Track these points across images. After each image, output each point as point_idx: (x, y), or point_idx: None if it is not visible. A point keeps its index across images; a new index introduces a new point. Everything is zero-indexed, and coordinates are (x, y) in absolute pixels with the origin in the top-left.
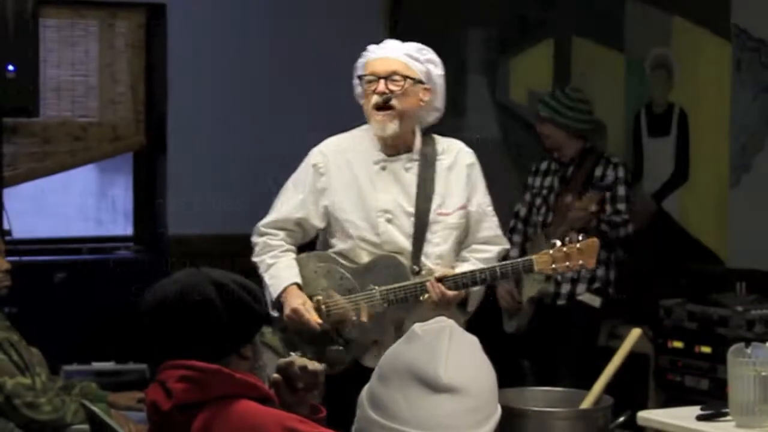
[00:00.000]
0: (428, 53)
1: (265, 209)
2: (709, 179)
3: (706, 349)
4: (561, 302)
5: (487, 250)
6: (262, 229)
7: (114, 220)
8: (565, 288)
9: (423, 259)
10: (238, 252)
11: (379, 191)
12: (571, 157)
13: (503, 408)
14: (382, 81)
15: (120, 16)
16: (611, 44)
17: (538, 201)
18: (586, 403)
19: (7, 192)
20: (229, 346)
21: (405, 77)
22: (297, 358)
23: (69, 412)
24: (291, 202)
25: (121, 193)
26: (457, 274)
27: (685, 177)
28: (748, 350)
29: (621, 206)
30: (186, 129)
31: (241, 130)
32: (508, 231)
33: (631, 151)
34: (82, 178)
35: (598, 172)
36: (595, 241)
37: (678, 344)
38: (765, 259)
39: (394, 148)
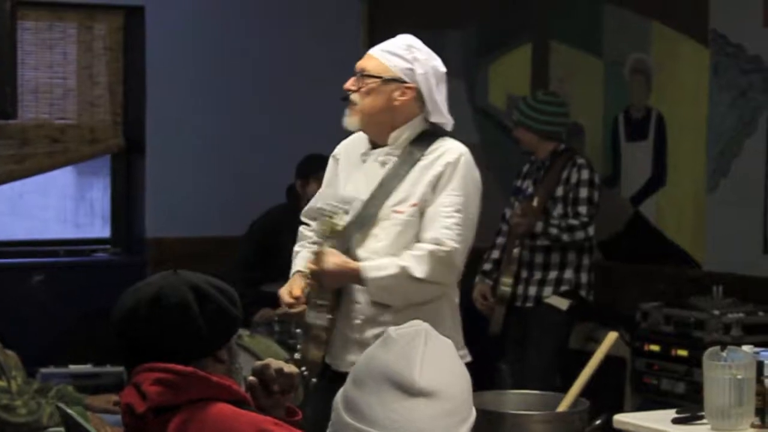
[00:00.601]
0: (417, 52)
1: (244, 212)
2: (687, 183)
3: (683, 353)
4: (529, 305)
5: (421, 248)
6: (301, 218)
7: (92, 222)
8: (533, 290)
9: (358, 251)
10: (214, 254)
11: (349, 182)
12: (543, 159)
13: (480, 411)
14: (353, 78)
15: (98, 19)
16: (590, 49)
17: (516, 204)
18: (563, 406)
19: None
20: (205, 349)
21: (373, 76)
22: (273, 361)
23: (44, 414)
24: (319, 192)
25: (99, 195)
26: None
27: (663, 181)
28: (724, 353)
29: (582, 208)
30: (164, 131)
31: (220, 133)
32: (495, 233)
33: (610, 155)
34: (60, 180)
35: (564, 174)
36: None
37: (655, 347)
38: (741, 263)
39: (375, 142)
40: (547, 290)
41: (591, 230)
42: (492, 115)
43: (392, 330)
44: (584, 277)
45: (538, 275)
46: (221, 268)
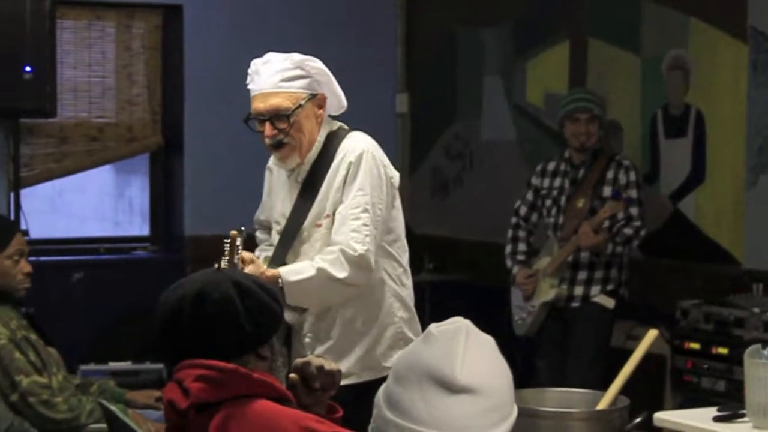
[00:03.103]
0: (310, 61)
1: None
2: (726, 180)
3: (723, 351)
4: (575, 304)
5: (331, 251)
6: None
7: (130, 220)
8: (579, 290)
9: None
10: (253, 252)
11: (277, 200)
12: (582, 158)
13: (520, 409)
14: (267, 123)
15: (137, 17)
16: (627, 45)
17: (548, 202)
18: (603, 404)
19: (24, 192)
20: (247, 345)
21: (290, 110)
22: (314, 358)
23: (84, 412)
24: (261, 203)
25: (138, 193)
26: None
27: (702, 178)
28: (765, 351)
29: (633, 210)
30: (202, 130)
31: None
32: (511, 227)
33: (648, 153)
34: (99, 178)
35: (609, 174)
36: None
37: (695, 345)
38: None
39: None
40: (595, 289)
41: (643, 232)
42: (529, 113)
43: (433, 326)
44: (624, 275)
45: (583, 275)
46: None
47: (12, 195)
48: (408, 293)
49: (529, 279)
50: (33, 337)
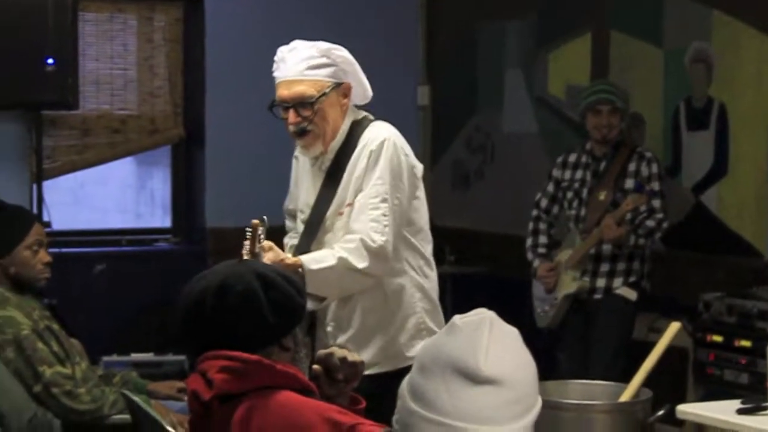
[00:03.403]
0: (336, 50)
1: None
2: (749, 173)
3: (746, 343)
4: (597, 296)
5: (352, 240)
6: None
7: (152, 212)
8: (601, 282)
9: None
10: (275, 244)
11: (302, 189)
12: (603, 150)
13: (542, 401)
14: (291, 111)
15: (158, 10)
16: (650, 38)
17: (570, 195)
18: (626, 396)
19: (47, 184)
20: (270, 337)
21: (315, 98)
22: (337, 349)
23: (107, 403)
24: (289, 192)
25: (159, 185)
26: None
27: (725, 171)
28: None
29: (656, 203)
30: (224, 121)
31: (279, 123)
32: (532, 220)
33: (670, 145)
34: (121, 170)
35: (631, 167)
36: None
37: (717, 338)
38: None
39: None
40: (617, 281)
41: (665, 224)
42: (551, 105)
43: (457, 318)
44: (647, 267)
45: (605, 267)
46: None
47: (35, 187)
48: (431, 284)
49: (550, 273)
50: (55, 327)
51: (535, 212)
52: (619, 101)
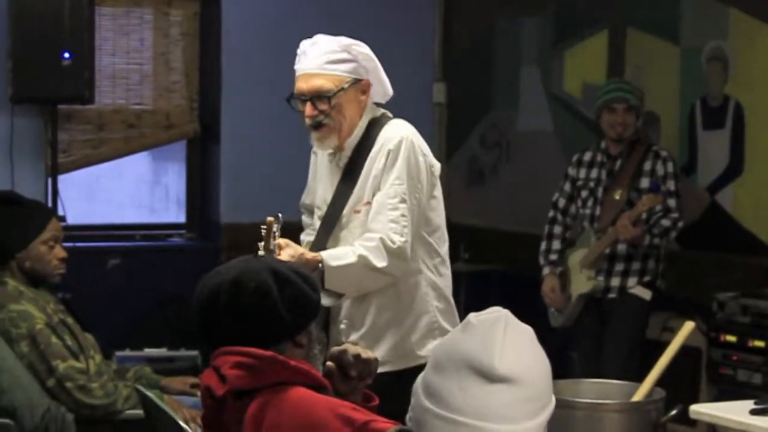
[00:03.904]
0: (357, 46)
1: None
2: (764, 172)
3: (760, 344)
4: (612, 296)
5: (371, 238)
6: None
7: (166, 207)
8: (616, 281)
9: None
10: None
11: (319, 184)
12: (619, 149)
13: (555, 400)
14: (308, 104)
15: (174, 5)
16: (667, 36)
17: (584, 193)
18: (638, 395)
19: (62, 179)
20: (285, 333)
21: (332, 92)
22: (350, 346)
23: (120, 398)
24: (307, 187)
25: (174, 180)
26: None
27: (740, 170)
28: None
29: (671, 202)
30: (239, 117)
31: (295, 119)
32: (548, 222)
33: (686, 144)
34: (136, 165)
35: (646, 166)
36: None
37: (731, 338)
38: None
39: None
40: (632, 281)
41: (681, 224)
42: (566, 103)
43: (472, 316)
44: (661, 266)
45: (620, 266)
46: None
47: (50, 181)
48: (445, 283)
49: (553, 293)
50: (70, 320)
51: (551, 213)
52: (634, 99)
